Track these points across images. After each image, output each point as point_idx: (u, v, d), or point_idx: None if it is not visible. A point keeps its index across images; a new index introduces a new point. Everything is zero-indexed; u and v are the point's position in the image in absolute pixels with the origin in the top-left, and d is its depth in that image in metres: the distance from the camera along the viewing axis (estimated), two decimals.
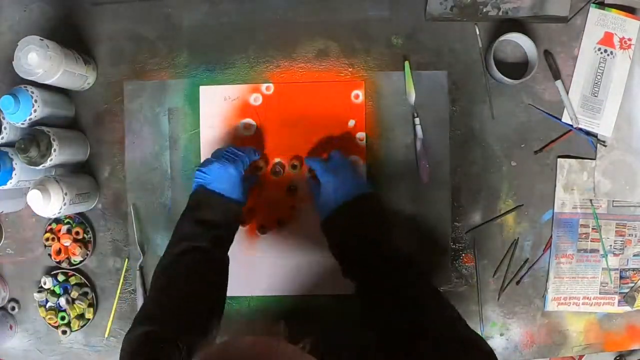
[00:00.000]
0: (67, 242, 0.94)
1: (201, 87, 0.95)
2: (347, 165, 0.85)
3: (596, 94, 0.94)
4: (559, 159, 0.95)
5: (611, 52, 0.94)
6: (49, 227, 0.96)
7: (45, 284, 0.94)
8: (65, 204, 0.85)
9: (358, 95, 0.94)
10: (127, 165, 0.96)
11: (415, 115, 0.94)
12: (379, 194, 0.84)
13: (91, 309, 0.95)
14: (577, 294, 0.96)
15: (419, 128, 0.94)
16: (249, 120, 0.95)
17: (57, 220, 0.96)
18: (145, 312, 0.74)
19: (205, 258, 0.77)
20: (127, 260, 0.96)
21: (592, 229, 0.96)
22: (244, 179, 0.84)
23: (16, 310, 0.97)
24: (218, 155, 0.83)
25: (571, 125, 0.95)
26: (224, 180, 0.80)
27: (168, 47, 0.96)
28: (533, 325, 0.96)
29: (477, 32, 0.95)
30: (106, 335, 0.97)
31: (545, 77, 0.95)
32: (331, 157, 0.87)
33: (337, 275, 0.94)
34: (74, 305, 0.95)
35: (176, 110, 0.96)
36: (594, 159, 0.95)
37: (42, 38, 0.82)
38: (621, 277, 0.96)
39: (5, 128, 0.87)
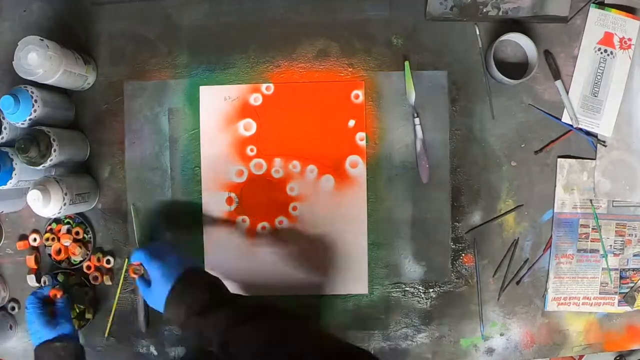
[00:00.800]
0: (67, 242, 0.94)
1: (201, 87, 0.95)
2: (163, 254, 0.83)
3: (596, 94, 0.94)
4: (559, 159, 0.95)
5: (611, 52, 0.94)
6: (49, 227, 0.96)
7: (45, 283, 0.94)
8: (65, 204, 0.85)
9: (358, 95, 0.94)
10: (127, 165, 0.96)
11: (415, 115, 0.94)
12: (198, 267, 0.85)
13: (91, 309, 0.95)
14: (577, 294, 0.96)
15: (418, 128, 0.94)
16: (249, 120, 0.95)
17: (57, 220, 0.96)
18: None
19: None
20: (127, 260, 0.96)
21: (592, 229, 0.96)
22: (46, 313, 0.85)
23: (16, 310, 0.97)
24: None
25: (571, 125, 0.95)
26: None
27: (168, 47, 0.96)
28: (533, 325, 0.96)
29: (477, 32, 0.95)
30: (106, 335, 0.97)
31: (545, 77, 0.95)
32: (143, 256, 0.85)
33: (337, 275, 0.94)
34: (74, 305, 0.95)
35: (176, 110, 0.96)
36: (594, 159, 0.95)
37: (42, 38, 0.82)
38: (621, 277, 0.96)
39: (5, 128, 0.87)
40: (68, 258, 0.95)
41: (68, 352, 0.83)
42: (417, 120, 0.94)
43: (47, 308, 0.85)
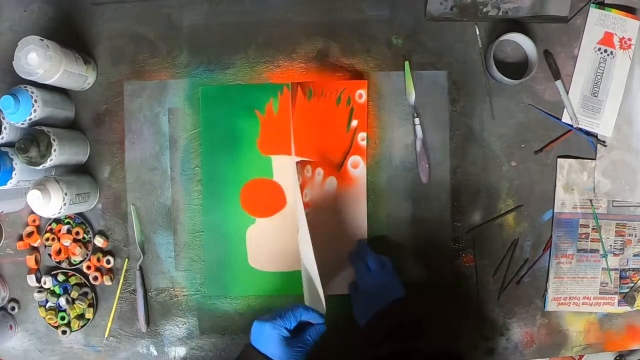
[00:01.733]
0: (67, 242, 0.94)
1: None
2: (384, 271, 0.87)
3: (596, 94, 0.94)
4: (559, 159, 0.95)
5: (611, 52, 0.94)
6: (49, 227, 0.96)
7: (45, 283, 0.94)
8: (65, 204, 0.85)
9: (362, 95, 0.93)
10: (127, 165, 0.96)
11: (415, 115, 0.94)
12: (410, 298, 0.86)
13: (91, 309, 0.95)
14: (577, 294, 0.96)
15: (418, 128, 0.94)
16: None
17: (57, 220, 0.96)
18: None
19: None
20: (127, 260, 0.96)
21: (592, 229, 0.96)
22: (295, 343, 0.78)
23: (16, 310, 0.97)
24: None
25: (571, 125, 0.95)
26: (262, 340, 0.78)
27: (168, 47, 0.96)
28: (533, 325, 0.96)
29: (477, 32, 0.95)
30: (106, 335, 0.97)
31: (545, 77, 0.95)
32: (367, 261, 0.89)
33: (337, 275, 0.94)
34: (74, 305, 0.95)
35: (176, 111, 0.96)
36: (594, 159, 0.95)
37: (42, 38, 0.82)
38: (621, 277, 0.97)
39: (5, 128, 0.87)
40: (68, 258, 0.95)
41: None
42: (417, 120, 0.94)
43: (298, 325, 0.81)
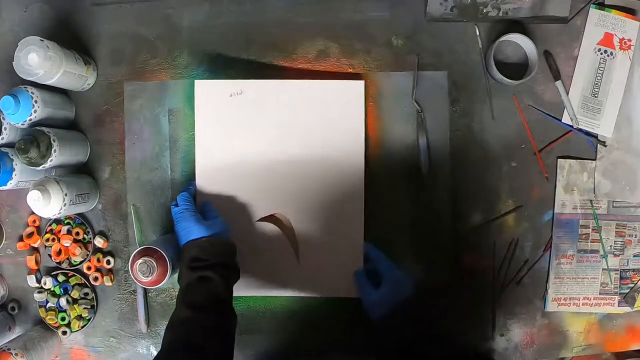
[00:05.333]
0: (67, 242, 0.94)
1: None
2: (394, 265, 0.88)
3: (596, 95, 0.94)
4: (559, 160, 0.95)
5: (611, 53, 0.94)
6: (49, 228, 0.96)
7: (45, 284, 0.95)
8: (65, 205, 0.85)
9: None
10: (127, 165, 0.96)
11: (420, 110, 0.94)
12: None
13: (91, 310, 0.95)
14: (577, 295, 0.96)
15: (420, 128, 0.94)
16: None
17: (58, 221, 0.96)
18: None
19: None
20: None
21: (592, 229, 0.96)
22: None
23: (16, 310, 0.97)
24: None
25: (571, 126, 0.95)
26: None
27: (168, 48, 0.96)
28: (533, 326, 0.96)
29: (477, 33, 0.95)
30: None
31: (545, 77, 0.95)
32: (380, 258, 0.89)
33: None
34: (75, 305, 0.95)
35: (176, 111, 0.96)
36: (594, 160, 0.95)
37: (42, 38, 0.82)
38: (621, 278, 0.97)
39: (5, 128, 0.87)
40: (68, 259, 0.95)
41: (212, 244, 0.82)
42: (423, 115, 0.94)
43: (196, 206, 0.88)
